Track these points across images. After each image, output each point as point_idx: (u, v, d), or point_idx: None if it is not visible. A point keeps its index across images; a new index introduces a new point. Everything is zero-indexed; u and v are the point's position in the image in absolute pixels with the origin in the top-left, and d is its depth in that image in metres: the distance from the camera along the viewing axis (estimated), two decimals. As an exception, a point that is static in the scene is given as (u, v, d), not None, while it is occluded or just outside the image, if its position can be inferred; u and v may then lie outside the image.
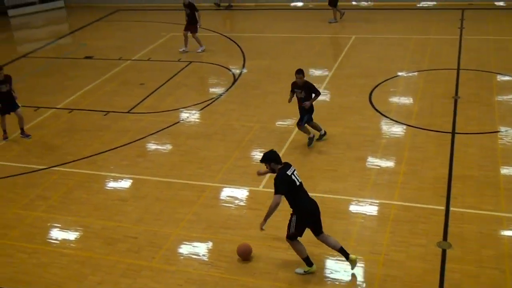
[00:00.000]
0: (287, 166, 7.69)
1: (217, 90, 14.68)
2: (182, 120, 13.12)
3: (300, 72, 10.81)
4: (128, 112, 13.75)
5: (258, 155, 11.22)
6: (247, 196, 9.96)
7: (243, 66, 16.25)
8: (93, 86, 15.58)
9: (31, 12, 24.68)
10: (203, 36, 17.96)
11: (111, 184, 10.75)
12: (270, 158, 7.73)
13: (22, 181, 11.00)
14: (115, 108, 14.01)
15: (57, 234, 9.27)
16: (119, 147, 12.05)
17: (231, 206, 9.64)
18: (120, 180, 10.79)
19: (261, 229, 7.75)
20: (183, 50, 17.48)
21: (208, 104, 13.77)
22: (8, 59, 18.42)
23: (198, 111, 13.52)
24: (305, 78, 10.95)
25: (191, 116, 13.30)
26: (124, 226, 9.28)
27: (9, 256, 8.76)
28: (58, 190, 10.56)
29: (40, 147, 12.40)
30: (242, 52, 17.31)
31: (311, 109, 11.20)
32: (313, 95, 11.07)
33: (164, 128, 12.68)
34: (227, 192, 10.03)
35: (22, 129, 12.76)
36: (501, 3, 20.17)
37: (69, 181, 10.85)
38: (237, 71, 15.81)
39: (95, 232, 9.19)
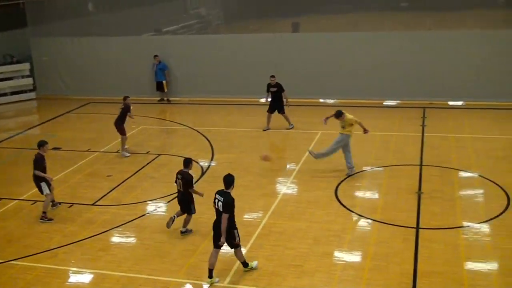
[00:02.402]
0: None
1: (185, 183, 14.66)
2: (148, 213, 13.01)
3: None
4: (93, 204, 13.59)
5: (222, 250, 11.09)
6: (211, 292, 9.75)
7: (212, 159, 16.40)
8: (59, 177, 15.44)
9: (1, 103, 24.82)
10: (174, 129, 18.05)
11: (71, 279, 10.41)
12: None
13: (-22, 276, 10.61)
14: (80, 200, 13.85)
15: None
16: (81, 240, 11.81)
17: (195, 303, 9.40)
18: (80, 275, 10.47)
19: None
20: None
21: (176, 197, 13.68)
22: (-25, 149, 18.30)
23: (165, 204, 13.44)
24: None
25: (157, 209, 13.20)
26: (82, 324, 8.92)
27: None
28: (15, 285, 10.18)
29: (0, 239, 12.05)
30: (211, 146, 17.52)
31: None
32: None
33: (129, 221, 12.52)
34: (190, 288, 9.82)
35: None
36: (460, 103, 21.10)
37: (27, 275, 10.50)
38: (206, 164, 15.93)
39: (50, 331, 8.80)
